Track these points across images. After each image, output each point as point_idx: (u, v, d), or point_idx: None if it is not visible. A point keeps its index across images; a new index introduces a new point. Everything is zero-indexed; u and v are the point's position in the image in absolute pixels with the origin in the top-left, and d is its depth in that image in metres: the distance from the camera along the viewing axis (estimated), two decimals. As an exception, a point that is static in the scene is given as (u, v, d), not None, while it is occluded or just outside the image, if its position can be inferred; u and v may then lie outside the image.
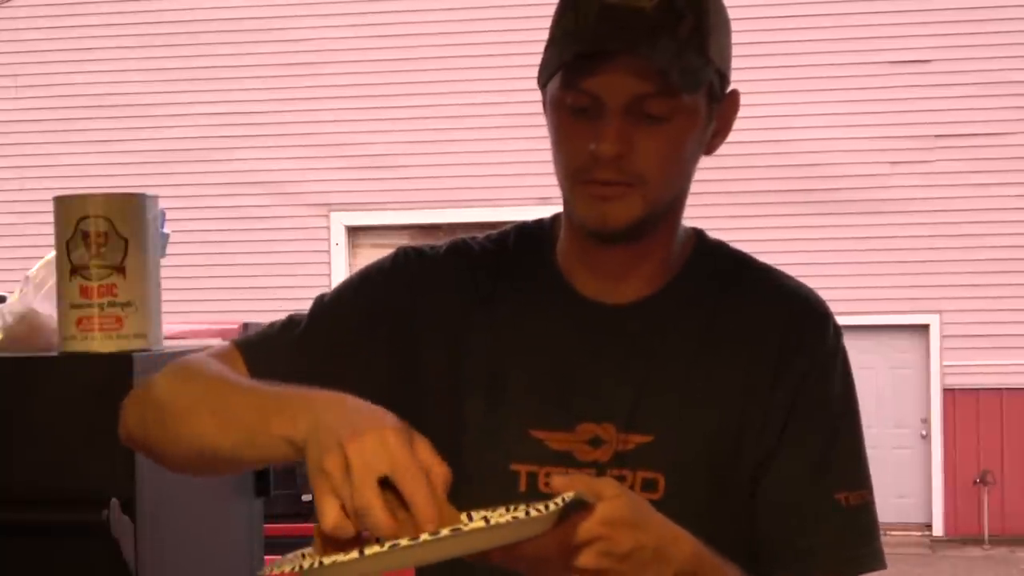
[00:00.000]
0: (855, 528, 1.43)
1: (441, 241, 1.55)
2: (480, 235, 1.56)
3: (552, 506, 1.11)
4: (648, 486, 1.40)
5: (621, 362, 1.44)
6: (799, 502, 1.41)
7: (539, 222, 1.55)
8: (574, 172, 1.39)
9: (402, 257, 1.53)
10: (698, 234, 1.53)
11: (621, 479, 1.38)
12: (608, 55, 1.33)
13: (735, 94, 1.46)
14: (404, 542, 1.06)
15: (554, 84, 1.39)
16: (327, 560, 1.08)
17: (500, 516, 1.16)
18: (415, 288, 1.49)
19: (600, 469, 1.40)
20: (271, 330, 1.53)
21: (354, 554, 1.06)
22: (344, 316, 1.50)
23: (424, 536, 1.06)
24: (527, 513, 1.11)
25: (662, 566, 1.20)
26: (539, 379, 1.44)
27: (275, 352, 1.49)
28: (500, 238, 1.54)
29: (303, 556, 1.16)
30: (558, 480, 1.16)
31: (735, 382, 1.43)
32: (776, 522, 1.41)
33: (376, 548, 1.06)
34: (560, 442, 1.41)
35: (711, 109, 1.42)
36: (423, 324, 1.48)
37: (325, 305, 1.53)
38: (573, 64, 1.35)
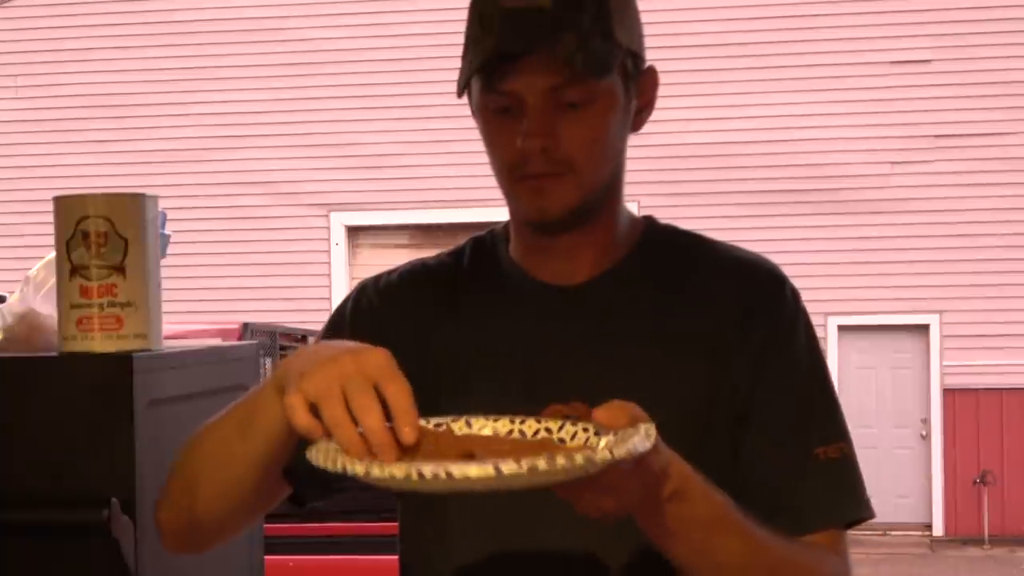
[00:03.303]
0: (836, 481, 1.45)
1: (398, 266, 1.61)
2: (431, 256, 1.62)
3: (619, 453, 1.10)
4: None
5: (581, 342, 1.47)
6: (778, 464, 1.44)
7: (491, 230, 1.61)
8: (508, 170, 1.45)
9: (360, 291, 1.59)
10: (647, 219, 1.57)
11: None
12: (518, 55, 1.38)
13: (652, 70, 1.50)
14: (508, 468, 1.05)
15: (475, 91, 1.44)
16: (447, 470, 1.06)
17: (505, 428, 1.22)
18: (378, 314, 1.55)
19: None
20: None
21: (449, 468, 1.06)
22: None
23: (533, 463, 1.06)
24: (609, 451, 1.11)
25: (686, 504, 1.24)
26: (502, 369, 1.48)
27: None
28: (456, 250, 1.60)
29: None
30: (602, 414, 1.17)
31: (699, 352, 1.45)
32: (758, 486, 1.43)
33: (450, 467, 1.06)
34: None
35: (629, 88, 1.45)
36: (391, 344, 1.51)
37: None
38: (488, 69, 1.40)
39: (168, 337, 2.02)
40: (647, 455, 1.14)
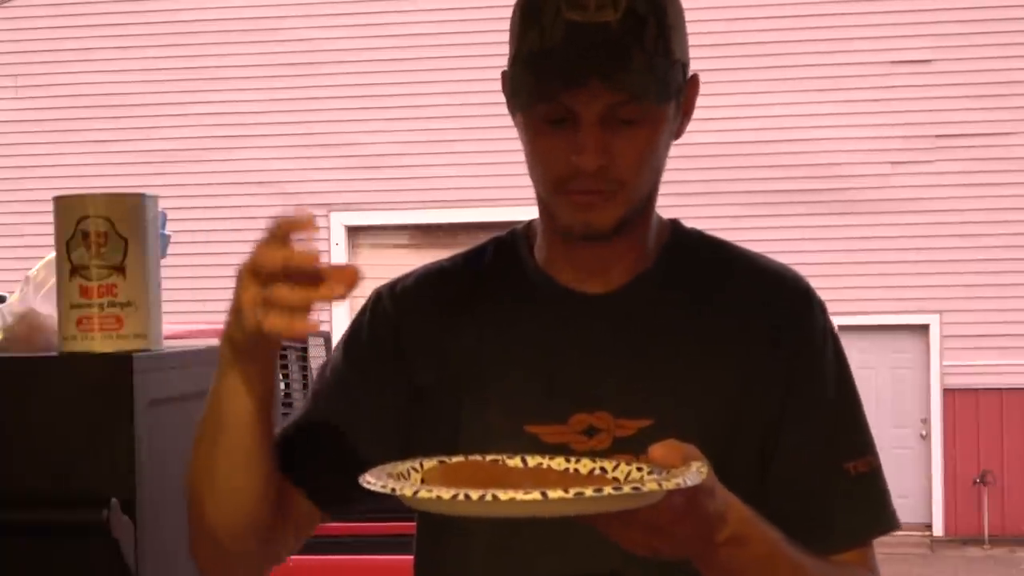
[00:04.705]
0: (867, 495, 1.45)
1: (414, 270, 1.58)
2: (451, 255, 1.59)
3: (675, 483, 1.10)
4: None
5: (607, 349, 1.45)
6: (810, 478, 1.43)
7: (511, 231, 1.57)
8: (554, 182, 1.40)
9: (376, 299, 1.56)
10: (674, 223, 1.55)
11: None
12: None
13: (695, 78, 1.48)
14: (554, 494, 1.06)
15: (523, 92, 1.40)
16: (498, 495, 1.07)
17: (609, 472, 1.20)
18: (395, 322, 1.52)
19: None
20: (288, 429, 1.54)
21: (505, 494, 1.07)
22: (346, 381, 1.53)
23: (586, 491, 1.06)
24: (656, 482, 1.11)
25: (743, 547, 1.23)
26: (527, 374, 1.45)
27: (298, 441, 1.51)
28: (475, 251, 1.57)
29: (416, 472, 1.17)
30: (657, 451, 1.16)
31: (727, 362, 1.44)
32: (790, 500, 1.42)
33: (512, 495, 1.06)
34: (554, 435, 1.42)
35: (678, 101, 1.44)
36: (411, 349, 1.50)
37: (327, 381, 1.55)
38: (549, 86, 1.36)
39: (168, 337, 2.02)
40: (701, 498, 1.13)
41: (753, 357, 1.44)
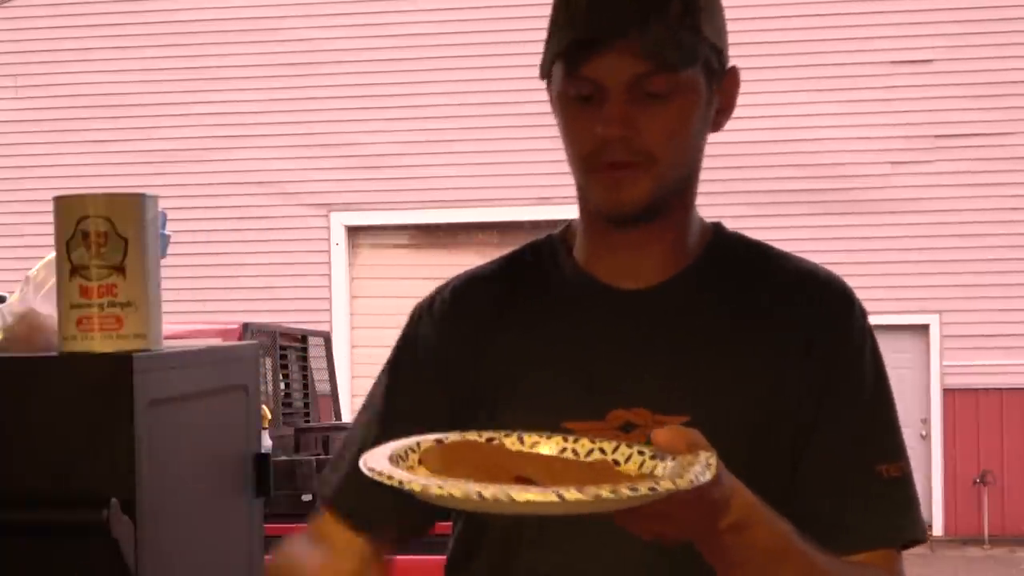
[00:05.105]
0: (896, 500, 1.44)
1: (449, 280, 1.59)
2: (485, 263, 1.60)
3: (689, 480, 1.10)
4: None
5: (645, 345, 1.46)
6: (840, 478, 1.43)
7: (549, 235, 1.58)
8: (585, 159, 1.42)
9: (417, 322, 1.56)
10: (716, 225, 1.56)
11: None
12: (608, 47, 1.37)
13: (735, 71, 1.49)
14: (571, 495, 1.05)
15: (557, 76, 1.42)
16: (514, 494, 1.06)
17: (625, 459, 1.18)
18: (435, 344, 1.53)
19: None
20: (340, 467, 1.55)
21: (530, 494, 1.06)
22: (398, 411, 1.53)
23: (603, 492, 1.06)
24: (673, 480, 1.11)
25: (749, 534, 1.23)
26: (564, 370, 1.46)
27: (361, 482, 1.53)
28: (512, 255, 1.58)
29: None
30: (662, 436, 1.16)
31: (764, 363, 1.44)
32: (818, 499, 1.42)
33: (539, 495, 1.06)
34: (591, 431, 1.41)
35: (711, 85, 1.44)
36: (452, 365, 1.52)
37: (378, 412, 1.55)
38: (571, 53, 1.39)
39: (168, 337, 2.02)
40: (707, 485, 1.13)
41: (790, 356, 1.45)
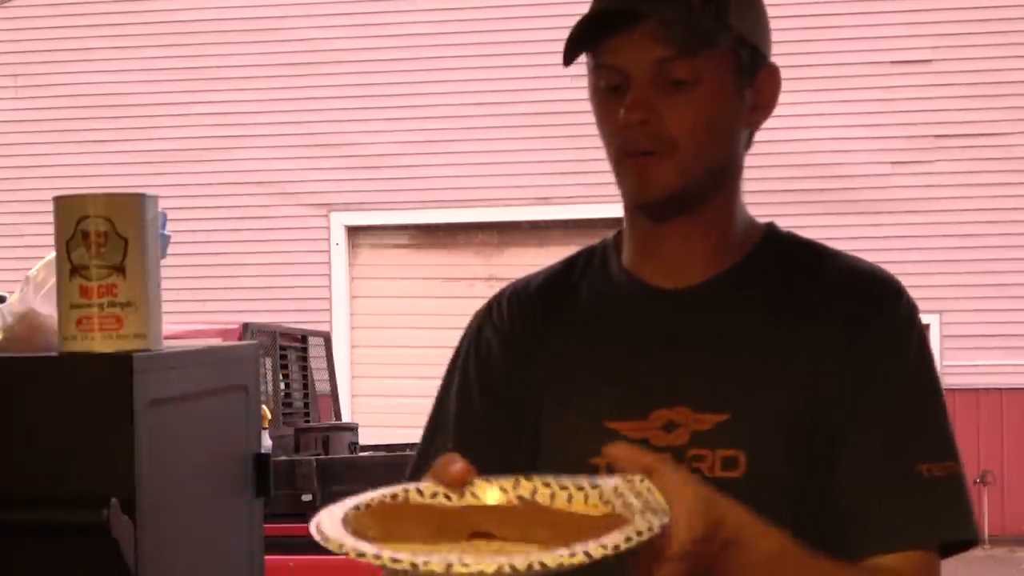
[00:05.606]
0: (935, 500, 1.41)
1: (504, 289, 1.61)
2: (544, 267, 1.62)
3: (636, 536, 1.10)
4: (728, 464, 1.41)
5: (687, 344, 1.47)
6: (879, 476, 1.42)
7: (603, 239, 1.60)
8: (616, 148, 1.45)
9: (477, 333, 1.58)
10: (768, 225, 1.57)
11: (700, 459, 1.41)
12: (627, 30, 1.39)
13: (773, 69, 1.49)
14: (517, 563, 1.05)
15: (589, 70, 1.46)
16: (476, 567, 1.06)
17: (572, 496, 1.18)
18: (497, 336, 1.55)
19: (677, 453, 1.41)
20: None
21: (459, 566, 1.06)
22: (471, 426, 1.54)
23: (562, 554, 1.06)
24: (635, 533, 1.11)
25: (741, 551, 1.23)
26: (609, 371, 1.48)
27: None
28: (569, 258, 1.60)
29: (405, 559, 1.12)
30: (616, 450, 1.18)
31: (806, 358, 1.44)
32: (858, 497, 1.41)
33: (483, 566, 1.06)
34: (635, 431, 1.43)
35: (742, 79, 1.45)
36: (511, 362, 1.54)
37: (457, 413, 1.56)
38: (586, 32, 1.42)
39: (168, 337, 2.02)
40: (705, 508, 1.15)
41: (830, 354, 1.44)
